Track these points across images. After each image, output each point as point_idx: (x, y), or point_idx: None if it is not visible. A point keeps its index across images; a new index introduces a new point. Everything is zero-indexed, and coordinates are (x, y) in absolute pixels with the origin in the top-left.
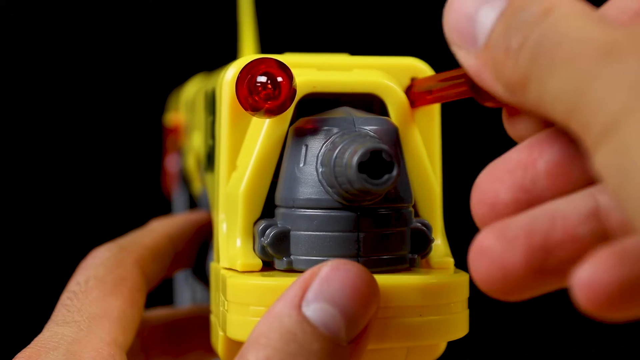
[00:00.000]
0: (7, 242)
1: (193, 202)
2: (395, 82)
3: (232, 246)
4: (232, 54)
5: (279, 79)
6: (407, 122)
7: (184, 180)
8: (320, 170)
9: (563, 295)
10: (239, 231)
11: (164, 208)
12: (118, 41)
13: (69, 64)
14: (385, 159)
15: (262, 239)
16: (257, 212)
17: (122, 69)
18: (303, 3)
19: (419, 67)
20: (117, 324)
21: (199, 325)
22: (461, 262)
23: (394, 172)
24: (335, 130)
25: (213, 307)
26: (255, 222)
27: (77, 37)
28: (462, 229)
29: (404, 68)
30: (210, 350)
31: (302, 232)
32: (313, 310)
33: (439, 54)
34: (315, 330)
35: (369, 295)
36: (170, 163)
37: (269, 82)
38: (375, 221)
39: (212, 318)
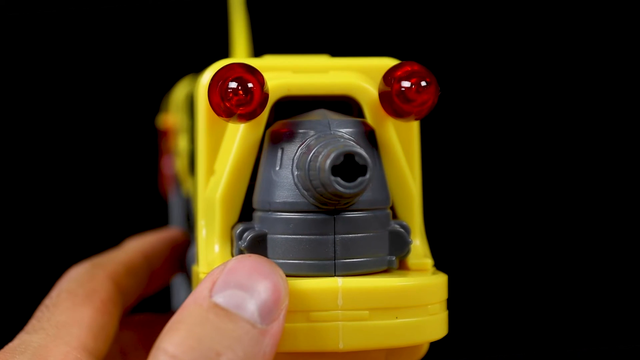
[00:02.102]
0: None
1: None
2: (372, 83)
3: (211, 251)
4: (225, 55)
5: (250, 84)
6: (383, 123)
7: (179, 181)
8: (295, 173)
9: (552, 295)
10: (216, 236)
11: (161, 209)
12: (112, 43)
13: (63, 67)
14: (359, 162)
15: (239, 242)
16: (235, 217)
17: (116, 71)
18: (295, 3)
19: None
20: (87, 330)
21: None
22: (440, 263)
23: (367, 175)
24: (310, 133)
25: None
26: (233, 226)
27: (71, 40)
28: (441, 230)
29: (380, 68)
30: None
31: (279, 236)
32: (223, 296)
33: (425, 54)
34: (227, 312)
35: (275, 278)
36: (166, 164)
37: (240, 87)
38: (351, 224)
39: None
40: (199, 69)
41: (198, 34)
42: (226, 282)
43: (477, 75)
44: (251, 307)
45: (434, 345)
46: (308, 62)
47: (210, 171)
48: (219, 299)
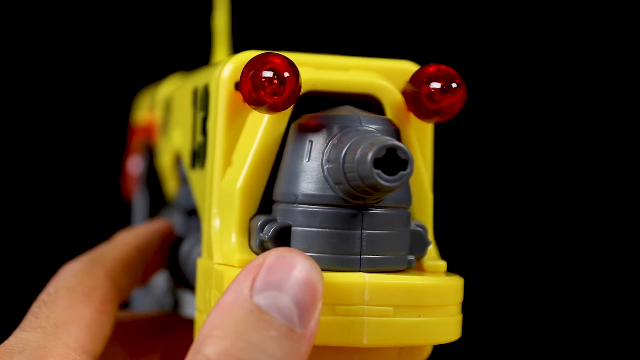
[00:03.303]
0: None
1: (153, 206)
2: (391, 85)
3: (227, 242)
4: (207, 56)
5: (286, 74)
6: (404, 123)
7: (147, 182)
8: (326, 166)
9: (552, 295)
10: (234, 227)
11: (124, 211)
12: (113, 42)
13: (64, 67)
14: (400, 156)
15: (261, 234)
16: (254, 208)
17: (118, 71)
18: (302, 3)
19: (413, 71)
20: (86, 331)
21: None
22: (450, 266)
23: (408, 170)
24: (341, 127)
25: (200, 305)
26: (252, 218)
27: (73, 40)
28: (451, 233)
29: (400, 71)
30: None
31: (305, 228)
32: (264, 298)
33: (435, 56)
34: (270, 317)
35: (315, 280)
36: (133, 165)
37: (275, 77)
38: (378, 220)
39: (198, 315)
40: (174, 69)
41: (176, 34)
42: (267, 281)
43: (485, 77)
44: (292, 311)
45: (436, 345)
46: (329, 60)
47: (228, 162)
48: (260, 300)
